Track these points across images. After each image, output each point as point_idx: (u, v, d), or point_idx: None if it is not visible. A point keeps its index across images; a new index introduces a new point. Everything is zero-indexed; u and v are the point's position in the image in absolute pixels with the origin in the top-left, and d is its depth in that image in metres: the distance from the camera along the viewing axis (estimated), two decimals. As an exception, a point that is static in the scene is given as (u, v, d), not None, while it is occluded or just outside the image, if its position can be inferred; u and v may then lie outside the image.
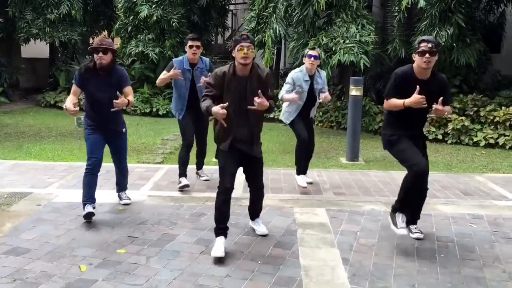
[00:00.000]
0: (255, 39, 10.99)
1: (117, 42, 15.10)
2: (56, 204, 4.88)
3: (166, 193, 5.36)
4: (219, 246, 3.75)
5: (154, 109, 11.79)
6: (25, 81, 15.17)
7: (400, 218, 4.04)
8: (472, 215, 4.83)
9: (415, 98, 3.73)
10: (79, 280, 3.30)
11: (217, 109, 3.62)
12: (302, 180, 5.69)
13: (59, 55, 14.83)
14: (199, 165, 6.05)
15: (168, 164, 6.84)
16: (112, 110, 4.29)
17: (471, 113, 9.02)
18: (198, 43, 5.33)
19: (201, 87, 5.10)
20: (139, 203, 5.01)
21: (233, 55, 3.76)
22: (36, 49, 14.75)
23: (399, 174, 6.42)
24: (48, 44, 14.33)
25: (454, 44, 8.92)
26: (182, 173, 5.56)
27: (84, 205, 4.40)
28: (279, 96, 5.44)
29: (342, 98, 10.85)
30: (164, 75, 5.25)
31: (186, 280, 3.35)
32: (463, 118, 8.85)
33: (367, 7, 10.23)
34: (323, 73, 5.62)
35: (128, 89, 4.53)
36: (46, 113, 12.00)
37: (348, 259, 3.75)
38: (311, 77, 5.44)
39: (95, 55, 4.34)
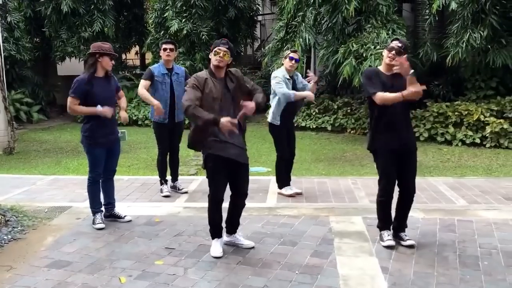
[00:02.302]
0: (285, 48, 11.01)
1: (149, 57, 15.42)
2: (94, 217, 4.97)
3: (201, 204, 5.38)
4: (217, 247, 3.95)
5: (187, 121, 11.92)
6: (62, 98, 15.60)
7: (386, 233, 4.12)
8: (516, 221, 4.67)
9: (416, 89, 3.75)
10: (119, 292, 3.34)
11: (227, 121, 3.60)
12: (288, 190, 5.70)
13: (94, 72, 15.24)
14: (175, 177, 6.00)
15: (202, 176, 6.86)
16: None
17: (510, 115, 8.73)
18: (172, 46, 5.61)
19: (179, 94, 5.41)
20: (174, 214, 5.05)
21: (210, 57, 3.91)
22: (72, 67, 15.20)
23: (436, 180, 6.30)
24: (83, 62, 14.75)
25: (489, 46, 8.70)
26: (163, 179, 5.83)
27: (94, 213, 4.71)
28: (282, 92, 5.31)
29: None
30: (147, 95, 5.53)
31: (224, 291, 3.35)
32: (502, 120, 8.58)
33: (397, 11, 10.10)
34: (299, 74, 5.78)
35: (121, 92, 5.03)
36: (82, 129, 12.28)
37: (387, 267, 3.67)
38: (291, 77, 5.51)
39: (108, 62, 4.49)
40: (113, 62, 4.58)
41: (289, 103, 5.46)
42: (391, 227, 4.18)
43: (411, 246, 4.03)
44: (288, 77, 5.44)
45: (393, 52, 3.89)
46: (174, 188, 5.95)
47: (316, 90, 5.91)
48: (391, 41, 4.05)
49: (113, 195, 4.90)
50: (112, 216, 4.84)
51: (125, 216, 4.84)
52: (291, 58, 5.43)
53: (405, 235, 4.14)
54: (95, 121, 4.54)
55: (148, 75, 5.56)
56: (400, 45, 3.91)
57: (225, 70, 3.92)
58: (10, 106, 10.22)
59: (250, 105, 3.79)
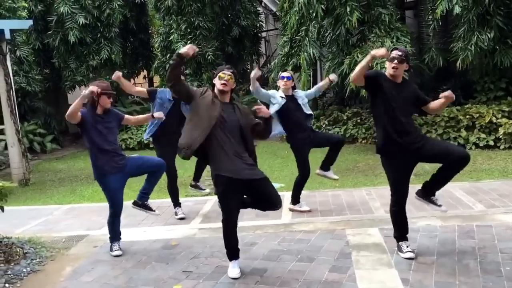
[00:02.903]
0: (290, 62, 11.08)
1: (157, 81, 15.58)
2: (111, 244, 4.99)
3: (216, 224, 5.36)
4: (234, 268, 3.92)
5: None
6: (74, 126, 15.72)
7: (405, 244, 4.08)
8: (536, 223, 4.59)
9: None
10: (139, 319, 3.34)
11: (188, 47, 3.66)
12: (304, 206, 5.67)
13: (104, 99, 15.41)
14: (199, 176, 5.96)
15: (216, 196, 6.88)
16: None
17: (522, 115, 8.65)
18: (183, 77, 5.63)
19: (173, 123, 5.40)
20: (190, 237, 5.05)
21: (214, 81, 3.88)
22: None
23: (452, 186, 6.21)
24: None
25: (497, 47, 8.65)
26: (176, 203, 5.86)
27: (112, 241, 4.71)
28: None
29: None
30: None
31: (244, 312, 3.32)
32: (514, 121, 8.51)
33: (400, 19, 10.12)
34: (301, 92, 5.76)
35: (128, 116, 4.96)
36: (95, 156, 12.40)
37: (408, 279, 3.62)
38: (289, 96, 5.46)
39: (106, 101, 4.50)
40: (111, 100, 4.57)
41: (290, 120, 5.42)
42: (422, 188, 4.20)
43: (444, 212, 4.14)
44: (282, 95, 5.42)
45: (395, 61, 3.92)
46: (197, 187, 5.96)
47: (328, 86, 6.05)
48: (391, 51, 4.05)
49: (153, 186, 4.89)
50: (143, 206, 4.90)
51: (155, 209, 5.01)
52: (283, 77, 5.49)
53: (437, 199, 4.14)
54: (94, 147, 4.57)
55: (152, 89, 5.78)
56: (400, 53, 3.95)
57: (231, 97, 3.92)
58: (24, 138, 10.36)
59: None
